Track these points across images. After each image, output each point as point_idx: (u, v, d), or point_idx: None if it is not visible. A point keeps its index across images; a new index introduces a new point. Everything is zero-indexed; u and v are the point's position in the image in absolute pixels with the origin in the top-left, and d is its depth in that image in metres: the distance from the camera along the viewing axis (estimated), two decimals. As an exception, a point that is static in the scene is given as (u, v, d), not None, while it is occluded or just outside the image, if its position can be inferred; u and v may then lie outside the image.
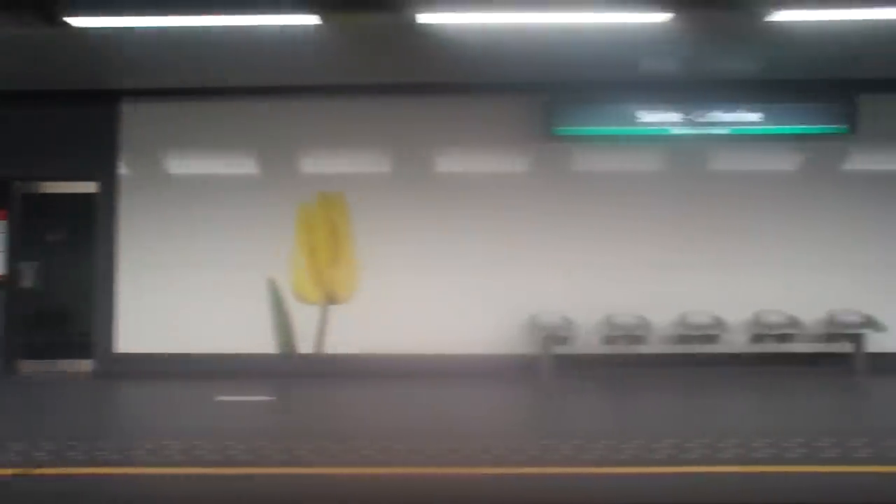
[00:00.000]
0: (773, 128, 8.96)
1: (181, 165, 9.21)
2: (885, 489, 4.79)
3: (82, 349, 9.15)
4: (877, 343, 8.81)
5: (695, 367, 8.79)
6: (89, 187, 9.25)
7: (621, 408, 7.66)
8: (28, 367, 9.21)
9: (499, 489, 4.77)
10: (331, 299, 9.08)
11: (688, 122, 8.94)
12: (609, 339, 8.83)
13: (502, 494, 4.70)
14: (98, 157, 9.10)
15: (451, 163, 9.15)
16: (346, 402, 7.88)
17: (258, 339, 8.95)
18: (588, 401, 7.93)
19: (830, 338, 8.84)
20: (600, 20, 6.93)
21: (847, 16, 6.96)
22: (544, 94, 8.95)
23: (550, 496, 4.65)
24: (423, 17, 6.75)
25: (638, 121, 8.94)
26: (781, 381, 8.45)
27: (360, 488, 4.77)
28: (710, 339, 8.85)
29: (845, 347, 8.80)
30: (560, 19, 6.93)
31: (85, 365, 9.14)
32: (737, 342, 8.88)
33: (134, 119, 9.11)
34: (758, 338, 8.86)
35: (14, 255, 9.27)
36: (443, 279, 9.01)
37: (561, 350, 8.76)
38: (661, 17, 6.87)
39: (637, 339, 8.83)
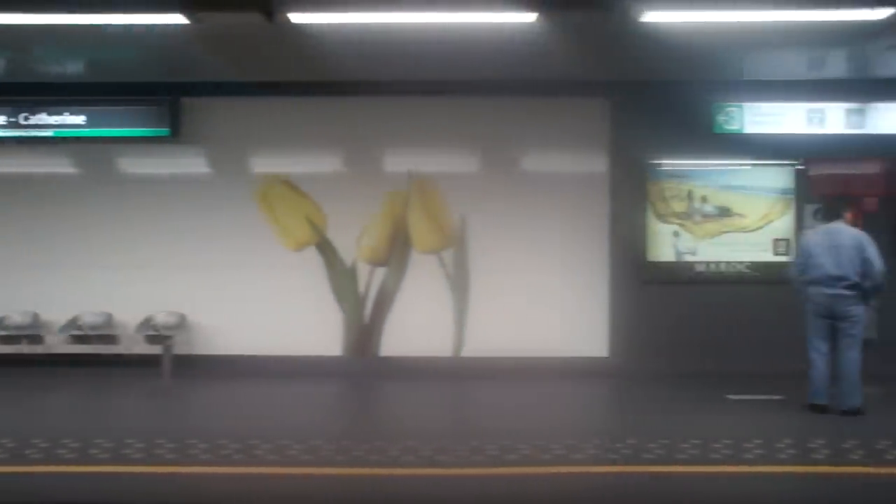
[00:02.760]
0: (96, 130, 8.99)
1: None
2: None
3: None
4: (186, 346, 8.91)
5: (14, 367, 8.90)
6: None
7: None
8: None
9: None
10: None
11: (12, 125, 8.99)
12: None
13: None
14: None
15: None
16: None
17: None
18: None
19: (151, 339, 8.89)
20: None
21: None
22: None
23: None
24: None
25: (-38, 123, 9.01)
26: (85, 384, 8.56)
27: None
28: (31, 339, 8.97)
29: (159, 349, 8.85)
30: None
31: None
32: (56, 343, 8.97)
33: None
34: (77, 339, 8.95)
35: None
36: None
37: None
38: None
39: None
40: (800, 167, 8.96)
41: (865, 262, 6.78)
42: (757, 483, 5.24)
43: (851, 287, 6.84)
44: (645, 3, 5.73)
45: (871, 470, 5.39)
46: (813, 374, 7.04)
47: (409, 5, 5.92)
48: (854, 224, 7.60)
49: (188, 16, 6.19)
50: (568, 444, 5.91)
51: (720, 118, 8.96)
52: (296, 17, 6.19)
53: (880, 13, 5.96)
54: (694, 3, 5.89)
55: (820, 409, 6.97)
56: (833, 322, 6.96)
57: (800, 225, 8.92)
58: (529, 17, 6.01)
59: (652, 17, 6.07)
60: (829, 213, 7.26)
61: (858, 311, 6.88)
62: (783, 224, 9.02)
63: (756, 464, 5.51)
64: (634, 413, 7.37)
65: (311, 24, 6.70)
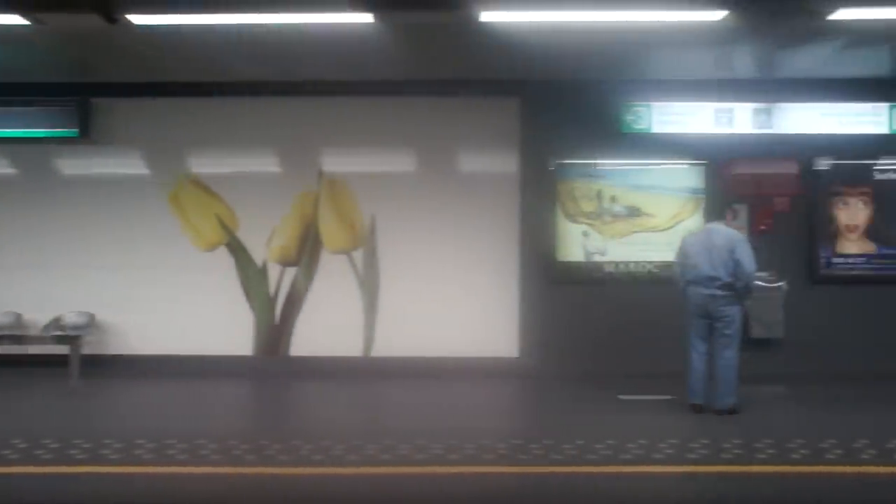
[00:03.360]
0: (4, 131, 9.03)
1: None
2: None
3: None
4: (97, 346, 8.94)
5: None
6: None
7: None
8: None
9: None
10: None
11: (-79, 127, 9.04)
12: None
13: None
14: None
15: None
16: None
17: None
18: None
19: (59, 339, 8.89)
20: None
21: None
22: None
23: None
24: None
25: None
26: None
27: None
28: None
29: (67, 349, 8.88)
30: None
31: None
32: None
33: None
34: (-15, 339, 8.97)
35: None
36: None
37: None
38: None
39: None
40: (709, 167, 8.92)
41: (737, 262, 6.76)
42: (596, 482, 5.23)
43: (725, 287, 6.83)
44: (480, 3, 5.71)
45: (716, 469, 5.42)
46: (690, 374, 7.03)
47: (250, 7, 5.92)
48: (749, 223, 7.59)
49: (26, 16, 6.18)
50: (450, 445, 5.94)
51: (628, 117, 8.94)
52: (137, 19, 6.18)
53: (715, 15, 5.95)
54: (531, 3, 5.87)
55: (697, 409, 6.96)
56: (710, 322, 6.95)
57: (710, 225, 8.87)
58: (366, 18, 6.02)
59: (489, 17, 6.05)
60: (712, 213, 7.25)
61: (733, 311, 6.87)
62: (694, 224, 8.96)
63: (599, 464, 5.50)
64: (522, 414, 7.39)
65: (203, 25, 6.72)
